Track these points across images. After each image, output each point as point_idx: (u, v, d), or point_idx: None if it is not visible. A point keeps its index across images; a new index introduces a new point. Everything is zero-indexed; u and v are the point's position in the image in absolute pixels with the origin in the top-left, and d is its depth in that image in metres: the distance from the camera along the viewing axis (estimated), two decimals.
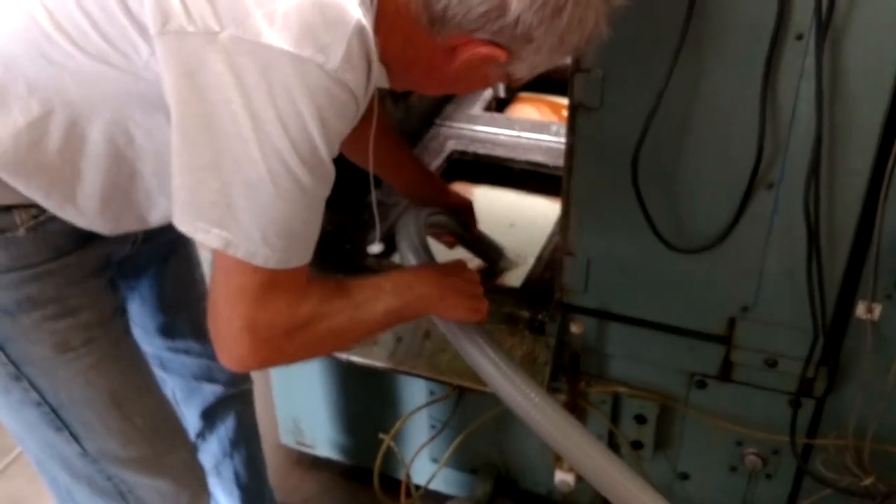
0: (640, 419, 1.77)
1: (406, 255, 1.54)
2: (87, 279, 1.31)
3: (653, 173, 1.42)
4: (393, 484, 1.98)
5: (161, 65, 1.02)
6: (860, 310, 1.45)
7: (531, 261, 1.91)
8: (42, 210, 1.21)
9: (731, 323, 1.54)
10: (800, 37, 1.25)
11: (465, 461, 2.07)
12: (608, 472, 1.43)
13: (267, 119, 0.99)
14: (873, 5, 1.19)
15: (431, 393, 1.93)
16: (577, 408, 1.76)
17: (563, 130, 1.49)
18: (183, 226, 1.08)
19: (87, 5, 1.05)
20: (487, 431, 1.95)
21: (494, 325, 1.70)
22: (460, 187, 2.25)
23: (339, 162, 1.10)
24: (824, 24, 1.21)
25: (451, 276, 1.45)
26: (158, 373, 1.68)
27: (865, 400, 1.51)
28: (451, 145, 2.26)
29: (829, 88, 1.26)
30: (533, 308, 1.73)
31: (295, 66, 0.97)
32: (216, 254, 1.08)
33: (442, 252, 1.79)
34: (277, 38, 0.96)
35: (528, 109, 2.57)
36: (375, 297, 1.27)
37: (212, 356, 1.73)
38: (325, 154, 1.04)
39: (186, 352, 1.75)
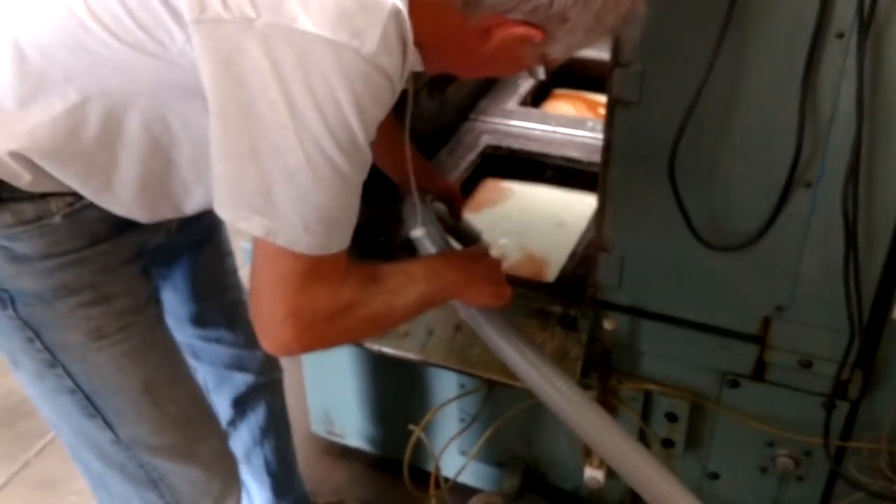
0: (672, 417, 1.76)
1: (424, 243, 1.54)
2: (121, 267, 1.32)
3: (690, 169, 1.41)
4: (421, 475, 1.98)
5: (197, 52, 1.02)
6: None
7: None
8: (78, 197, 1.22)
9: (766, 322, 1.53)
10: (841, 35, 1.23)
11: (493, 455, 2.07)
12: (638, 464, 1.43)
13: (304, 106, 0.99)
14: None
15: (462, 386, 1.93)
16: (608, 404, 1.75)
17: (599, 127, 1.48)
18: (224, 213, 1.08)
19: None
20: (516, 426, 1.94)
21: (525, 319, 1.70)
22: (494, 183, 2.24)
23: None
24: (866, 22, 1.19)
25: (475, 262, 1.46)
26: (190, 361, 1.70)
27: None
28: (486, 140, 2.25)
29: (869, 87, 1.24)
30: (565, 303, 1.72)
31: (331, 52, 0.97)
32: (257, 241, 1.09)
33: None
34: (313, 23, 0.96)
35: (563, 106, 2.56)
36: (408, 284, 1.28)
37: (242, 345, 1.77)
38: (363, 140, 1.04)
39: (218, 340, 1.76)
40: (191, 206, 1.32)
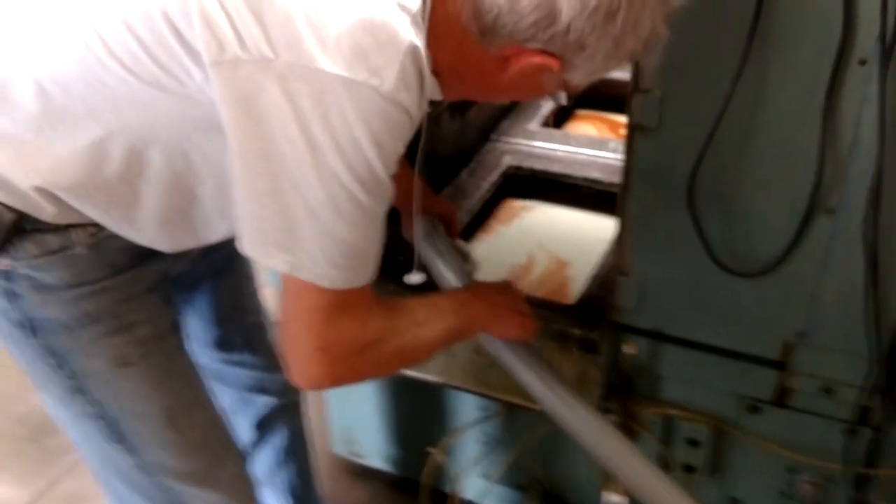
0: (693, 443, 1.75)
1: (444, 274, 1.53)
2: (143, 295, 1.33)
3: (710, 195, 1.41)
4: (439, 497, 1.98)
5: (217, 93, 1.03)
6: None
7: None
8: (100, 228, 1.23)
9: (787, 348, 1.52)
10: (863, 62, 1.23)
11: (512, 477, 2.06)
12: (660, 490, 1.42)
13: (324, 144, 0.99)
14: None
15: (483, 409, 1.92)
16: (628, 429, 1.75)
17: (621, 148, 1.48)
18: (249, 251, 1.09)
19: (138, 31, 1.06)
20: (535, 449, 1.94)
21: (545, 341, 1.70)
22: (515, 204, 2.24)
23: None
24: (888, 49, 1.19)
25: (502, 294, 1.45)
26: (214, 385, 1.70)
27: None
28: (508, 160, 2.25)
29: (891, 114, 1.24)
30: (585, 326, 1.72)
31: (349, 91, 0.98)
32: (285, 276, 1.10)
33: None
34: (331, 62, 0.97)
35: (586, 127, 2.56)
36: (436, 316, 1.29)
37: (264, 368, 1.77)
38: (383, 174, 1.05)
39: (241, 364, 1.77)
40: (213, 237, 1.33)
